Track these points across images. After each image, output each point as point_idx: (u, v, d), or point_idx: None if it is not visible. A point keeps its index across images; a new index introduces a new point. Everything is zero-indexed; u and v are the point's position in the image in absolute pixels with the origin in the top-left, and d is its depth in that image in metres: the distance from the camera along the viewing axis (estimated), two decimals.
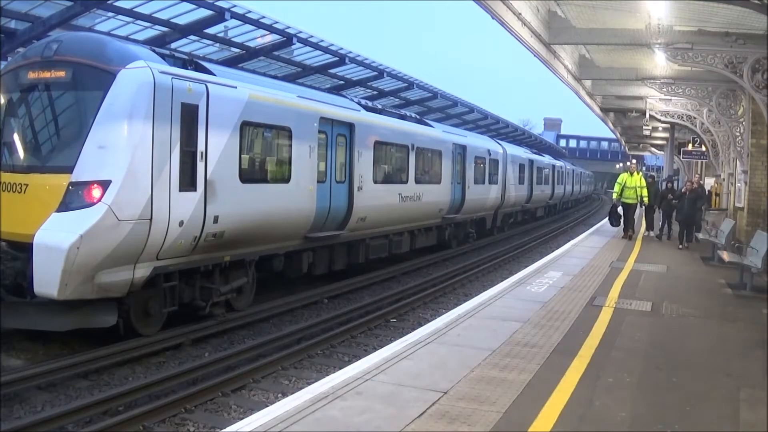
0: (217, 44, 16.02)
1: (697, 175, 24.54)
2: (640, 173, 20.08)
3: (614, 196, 19.28)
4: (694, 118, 22.75)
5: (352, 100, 15.10)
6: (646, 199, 18.83)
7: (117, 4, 12.62)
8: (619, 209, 19.17)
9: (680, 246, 17.11)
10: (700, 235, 16.58)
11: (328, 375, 6.63)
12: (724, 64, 13.25)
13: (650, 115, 24.68)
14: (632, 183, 18.57)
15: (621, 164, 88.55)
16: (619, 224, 19.34)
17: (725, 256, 12.33)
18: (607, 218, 20.67)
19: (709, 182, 26.10)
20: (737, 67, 13.15)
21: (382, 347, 7.49)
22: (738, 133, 16.60)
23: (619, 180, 19.04)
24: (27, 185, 8.30)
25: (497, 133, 35.39)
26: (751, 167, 15.43)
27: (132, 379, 7.81)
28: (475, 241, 22.62)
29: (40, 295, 7.74)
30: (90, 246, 7.72)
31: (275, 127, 11.22)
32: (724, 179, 21.09)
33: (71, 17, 12.11)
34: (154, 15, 13.31)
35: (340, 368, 6.80)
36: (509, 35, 13.32)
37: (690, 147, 28.98)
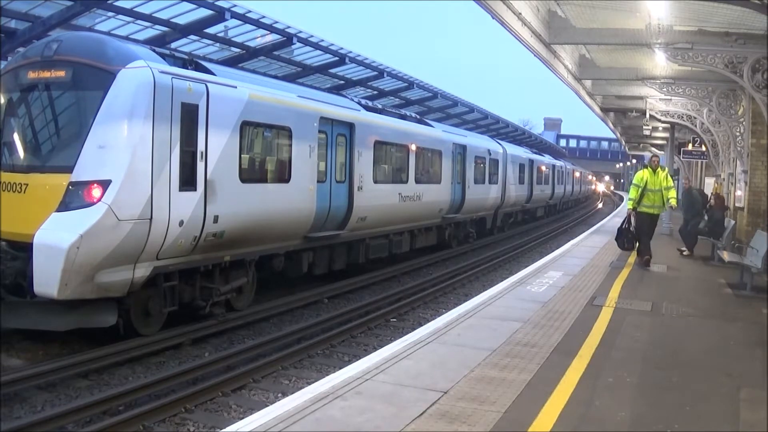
0: (217, 44, 16.01)
1: (686, 180, 23.92)
2: (666, 170, 14.50)
3: (629, 204, 13.50)
4: (694, 118, 22.74)
5: (352, 100, 15.10)
6: (673, 201, 13.38)
7: (117, 4, 12.60)
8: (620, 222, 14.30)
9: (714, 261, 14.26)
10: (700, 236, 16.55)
11: (328, 375, 6.62)
12: (724, 64, 13.25)
13: (650, 115, 24.67)
14: (656, 184, 13.11)
15: (620, 164, 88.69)
16: (633, 246, 13.78)
17: (725, 256, 12.33)
18: (616, 236, 14.24)
19: (709, 182, 26.06)
20: (737, 67, 13.15)
21: (382, 347, 7.48)
22: (738, 133, 16.60)
23: (636, 180, 13.43)
24: (27, 185, 8.30)
25: (497, 133, 35.38)
26: (751, 167, 15.43)
27: (132, 378, 7.81)
28: (475, 241, 22.62)
29: (40, 295, 7.74)
30: (90, 246, 7.72)
31: (275, 126, 11.22)
32: (724, 179, 21.06)
33: (71, 17, 12.10)
34: (154, 15, 13.30)
35: (340, 368, 6.79)
36: (509, 35, 13.32)
37: (690, 147, 28.97)
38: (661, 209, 13.42)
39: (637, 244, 13.64)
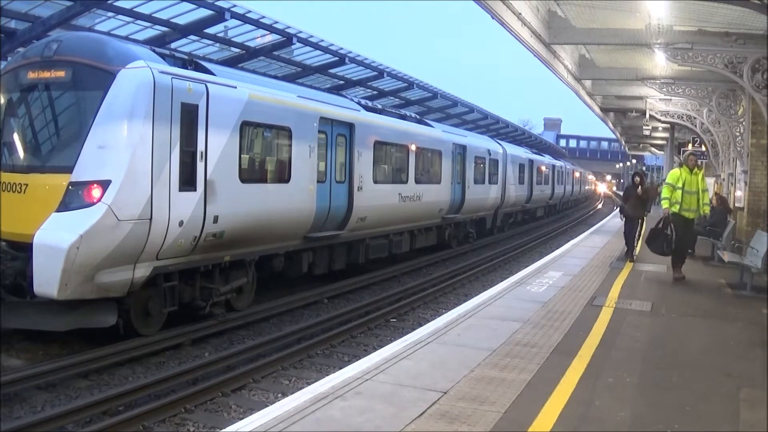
0: (217, 44, 16.01)
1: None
2: (702, 170, 13.08)
3: (664, 204, 11.89)
4: (694, 118, 22.75)
5: (352, 100, 15.10)
6: (706, 209, 12.25)
7: (117, 4, 12.60)
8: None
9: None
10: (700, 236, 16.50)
11: (328, 375, 6.62)
12: (724, 64, 13.24)
13: (650, 115, 24.70)
14: (693, 185, 11.82)
15: (620, 164, 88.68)
16: (671, 250, 12.00)
17: (725, 256, 12.31)
18: (648, 240, 12.46)
19: (709, 182, 26.05)
20: (737, 67, 13.15)
21: (382, 347, 7.49)
22: (738, 133, 16.60)
23: (671, 179, 12.10)
24: (27, 185, 8.30)
25: (497, 133, 35.38)
26: (751, 167, 15.41)
27: (132, 379, 7.81)
28: (475, 241, 22.62)
29: (40, 295, 7.74)
30: (90, 246, 7.72)
31: (275, 127, 11.22)
32: (724, 179, 21.06)
33: (71, 17, 12.10)
34: (154, 15, 13.30)
35: (340, 368, 6.79)
36: (509, 35, 13.32)
37: (690, 147, 29.00)
38: (696, 213, 12.03)
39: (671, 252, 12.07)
